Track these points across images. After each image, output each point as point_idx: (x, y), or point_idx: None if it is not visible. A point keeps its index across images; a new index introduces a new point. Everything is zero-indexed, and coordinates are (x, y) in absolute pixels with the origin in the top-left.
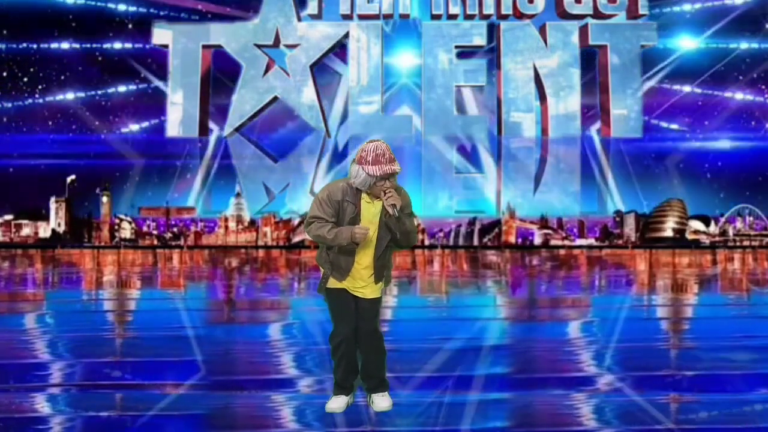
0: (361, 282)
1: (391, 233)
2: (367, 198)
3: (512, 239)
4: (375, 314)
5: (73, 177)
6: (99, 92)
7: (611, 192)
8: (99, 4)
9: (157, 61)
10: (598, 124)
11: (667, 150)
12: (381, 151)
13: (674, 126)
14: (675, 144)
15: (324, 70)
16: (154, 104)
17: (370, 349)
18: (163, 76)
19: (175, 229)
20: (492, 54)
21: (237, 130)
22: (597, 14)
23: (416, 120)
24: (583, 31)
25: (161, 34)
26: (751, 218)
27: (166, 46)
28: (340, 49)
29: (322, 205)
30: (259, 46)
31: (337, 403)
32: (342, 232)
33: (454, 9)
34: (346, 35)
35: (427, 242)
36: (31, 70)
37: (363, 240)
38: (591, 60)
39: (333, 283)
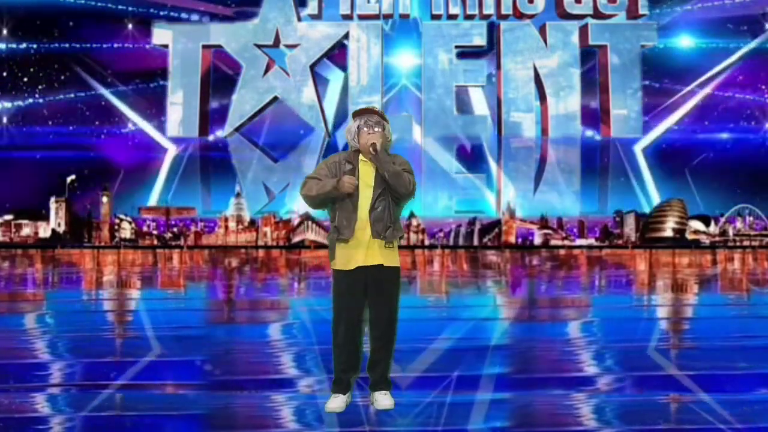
0: (367, 245)
1: (384, 182)
2: (364, 159)
3: (512, 239)
4: (389, 298)
5: (73, 177)
6: (99, 92)
7: (648, 193)
8: (99, 4)
9: (157, 60)
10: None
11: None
12: (370, 106)
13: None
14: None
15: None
16: (154, 104)
17: (380, 336)
18: (163, 76)
19: (175, 229)
20: (492, 55)
21: (237, 130)
22: (597, 14)
23: (416, 120)
24: (583, 31)
25: (161, 34)
26: (751, 218)
27: (166, 46)
28: (339, 49)
29: (319, 168)
30: (259, 46)
31: (336, 403)
32: (329, 181)
33: (454, 9)
34: (346, 35)
35: (427, 242)
36: (31, 70)
37: (350, 189)
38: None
39: (341, 264)
